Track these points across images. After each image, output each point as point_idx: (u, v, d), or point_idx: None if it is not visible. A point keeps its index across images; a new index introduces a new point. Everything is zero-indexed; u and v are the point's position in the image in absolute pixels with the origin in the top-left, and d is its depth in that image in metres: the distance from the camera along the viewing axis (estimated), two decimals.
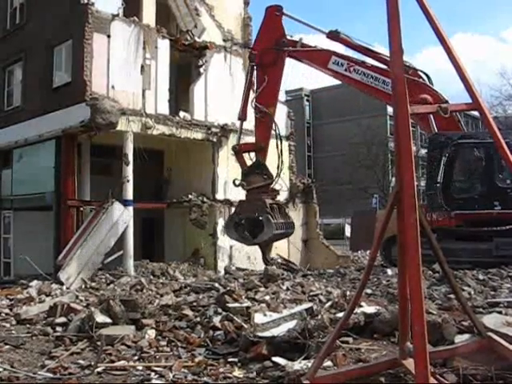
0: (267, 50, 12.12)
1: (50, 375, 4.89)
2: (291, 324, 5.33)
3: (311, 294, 7.30)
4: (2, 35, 20.22)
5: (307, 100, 61.40)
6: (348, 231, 33.15)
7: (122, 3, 16.49)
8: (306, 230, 21.59)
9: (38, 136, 16.89)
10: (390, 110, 29.39)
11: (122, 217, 15.13)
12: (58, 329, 6.70)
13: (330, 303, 6.40)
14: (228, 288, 7.36)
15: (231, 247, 17.78)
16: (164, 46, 17.45)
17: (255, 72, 12.45)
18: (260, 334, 5.18)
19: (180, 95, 19.64)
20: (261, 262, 13.33)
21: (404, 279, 3.77)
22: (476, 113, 4.05)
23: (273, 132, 12.44)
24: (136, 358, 5.33)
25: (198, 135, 18.12)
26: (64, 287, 12.02)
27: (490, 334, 4.03)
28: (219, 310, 6.42)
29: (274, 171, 12.10)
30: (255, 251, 14.15)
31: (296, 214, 21.13)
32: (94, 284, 12.65)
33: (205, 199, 18.14)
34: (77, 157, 16.31)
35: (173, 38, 17.88)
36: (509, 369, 3.85)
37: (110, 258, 14.90)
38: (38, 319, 7.42)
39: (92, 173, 17.01)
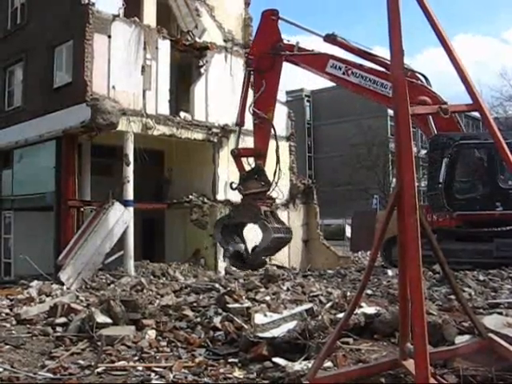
0: (264, 55, 12.15)
1: (51, 375, 4.89)
2: (291, 324, 5.33)
3: (311, 294, 7.30)
4: (2, 35, 20.22)
5: (308, 100, 61.37)
6: (348, 232, 33.14)
7: (123, 4, 16.50)
8: (306, 230, 21.57)
9: (39, 136, 16.90)
10: (390, 111, 29.43)
11: (122, 217, 15.13)
12: (59, 329, 6.69)
13: (330, 304, 6.40)
14: (228, 288, 7.36)
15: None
16: (165, 46, 17.46)
17: (252, 77, 12.49)
18: (260, 335, 5.18)
19: (180, 96, 19.64)
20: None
21: (404, 280, 3.77)
22: (477, 114, 4.05)
23: (272, 133, 12.45)
24: (136, 358, 5.33)
25: (199, 136, 18.12)
26: (64, 287, 12.02)
27: (490, 334, 4.03)
28: (219, 311, 6.42)
29: (273, 173, 12.12)
30: None
31: (296, 215, 21.14)
32: (94, 284, 12.65)
33: (205, 200, 18.13)
34: (77, 157, 16.30)
35: (173, 39, 17.88)
36: (509, 370, 3.84)
37: (110, 258, 14.90)
38: (38, 319, 7.42)
39: (92, 173, 17.01)
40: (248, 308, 6.31)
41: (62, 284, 12.51)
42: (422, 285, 3.35)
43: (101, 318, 6.23)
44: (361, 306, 5.63)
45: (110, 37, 15.94)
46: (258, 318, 5.68)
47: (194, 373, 4.77)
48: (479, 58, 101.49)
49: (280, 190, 12.61)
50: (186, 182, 18.90)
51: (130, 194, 15.80)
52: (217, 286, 8.25)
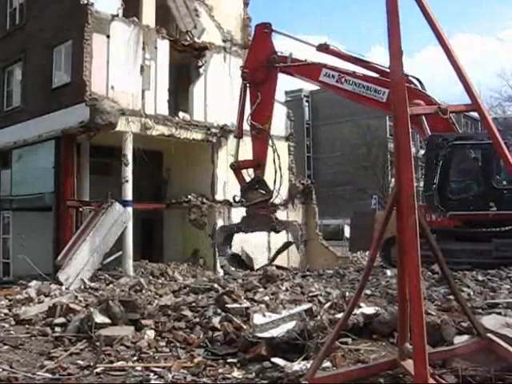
0: (259, 68, 12.26)
1: (49, 375, 4.88)
2: (290, 325, 5.32)
3: (310, 294, 7.28)
4: (1, 35, 20.24)
5: (307, 101, 61.37)
6: (347, 232, 33.17)
7: (122, 4, 16.51)
8: (305, 230, 21.57)
9: (38, 136, 16.90)
10: None
11: (121, 217, 15.13)
12: (57, 329, 6.68)
13: (329, 304, 6.39)
14: (227, 289, 7.35)
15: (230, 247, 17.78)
16: (163, 46, 17.46)
17: (248, 89, 12.66)
18: (259, 335, 5.18)
19: (179, 96, 19.65)
20: (260, 263, 13.47)
21: (403, 280, 3.77)
22: (476, 114, 4.05)
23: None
24: (135, 358, 5.32)
25: (198, 136, 18.13)
26: (63, 287, 12.00)
27: (489, 335, 4.03)
28: (218, 311, 6.41)
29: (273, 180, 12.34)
30: (254, 252, 14.22)
31: (295, 215, 21.13)
32: (93, 284, 12.64)
33: (204, 200, 18.15)
34: (76, 157, 16.32)
35: (172, 39, 17.90)
36: (508, 370, 3.85)
37: (109, 258, 14.91)
38: (37, 319, 7.40)
39: (91, 173, 17.02)
40: (247, 308, 6.30)
41: (61, 284, 12.51)
42: (421, 285, 3.35)
43: (100, 318, 6.22)
44: (360, 306, 5.62)
45: (108, 37, 15.95)
46: (257, 318, 5.67)
47: (192, 373, 4.76)
48: (478, 57, 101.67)
49: (278, 191, 12.88)
50: (184, 182, 18.91)
51: (128, 194, 15.80)
52: (216, 286, 8.23)
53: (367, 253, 19.62)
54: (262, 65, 12.27)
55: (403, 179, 3.50)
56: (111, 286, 11.74)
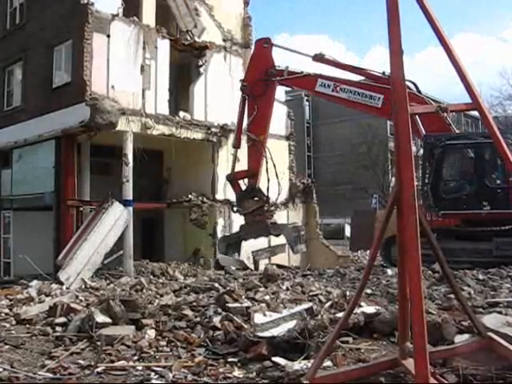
0: (257, 82, 12.67)
1: (50, 375, 4.88)
2: (291, 324, 5.32)
3: (311, 294, 7.29)
4: (1, 35, 20.23)
5: (307, 100, 61.22)
6: (348, 231, 33.18)
7: (122, 3, 16.50)
8: (305, 230, 21.56)
9: (38, 136, 16.90)
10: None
11: (121, 217, 15.13)
12: (58, 329, 6.68)
13: (329, 303, 6.40)
14: (228, 288, 7.35)
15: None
16: (164, 45, 17.46)
17: (247, 102, 13.06)
18: (260, 334, 5.18)
19: (180, 95, 19.65)
20: (260, 263, 13.56)
21: (404, 279, 3.77)
22: (476, 113, 4.05)
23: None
24: (136, 358, 5.32)
25: (198, 135, 18.12)
26: (64, 287, 12.00)
27: (489, 333, 4.03)
28: (219, 310, 6.41)
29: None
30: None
31: (296, 214, 21.15)
32: (93, 284, 12.62)
33: (205, 199, 18.15)
34: (76, 157, 16.31)
35: (172, 38, 17.88)
36: (509, 369, 3.85)
37: (109, 258, 14.90)
38: (37, 319, 7.40)
39: (92, 173, 17.02)
40: (247, 307, 6.31)
41: (62, 284, 12.50)
42: (422, 284, 3.35)
43: (100, 318, 6.22)
44: (360, 306, 5.62)
45: (109, 36, 15.94)
46: (258, 318, 5.67)
47: (193, 372, 4.76)
48: (478, 56, 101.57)
49: (277, 197, 13.25)
50: (185, 181, 18.91)
51: (129, 193, 15.79)
52: (216, 285, 8.24)
53: (368, 252, 19.63)
54: (260, 78, 12.70)
55: (404, 178, 3.50)
56: (112, 285, 11.74)
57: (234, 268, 11.84)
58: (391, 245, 10.72)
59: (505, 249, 10.35)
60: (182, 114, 17.98)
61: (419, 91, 11.66)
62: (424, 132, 11.03)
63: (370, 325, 5.30)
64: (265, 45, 12.93)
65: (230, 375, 4.63)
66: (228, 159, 17.63)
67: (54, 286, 11.82)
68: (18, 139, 17.92)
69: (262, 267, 12.37)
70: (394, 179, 23.98)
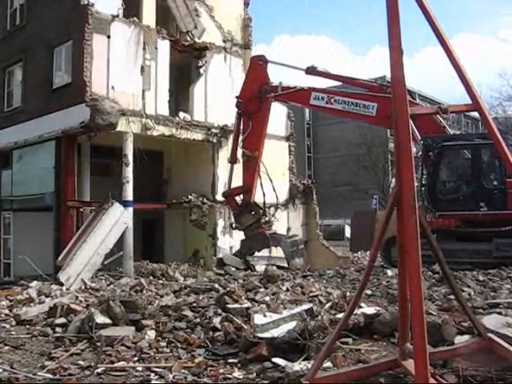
0: (252, 99, 12.95)
1: (50, 376, 4.88)
2: (291, 325, 5.32)
3: (311, 294, 7.29)
4: (2, 36, 20.23)
5: None
6: (348, 232, 33.11)
7: (122, 4, 16.51)
8: (305, 230, 21.57)
9: (38, 137, 16.90)
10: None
11: (121, 217, 15.12)
12: (58, 329, 6.68)
13: (329, 304, 6.40)
14: (228, 289, 7.35)
15: (231, 248, 17.80)
16: (164, 46, 17.46)
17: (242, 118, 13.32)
18: (260, 335, 5.18)
19: (180, 96, 19.64)
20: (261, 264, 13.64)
21: (404, 280, 3.77)
22: (476, 114, 4.05)
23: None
24: (136, 358, 5.33)
25: (198, 136, 18.12)
26: (64, 288, 12.00)
27: (489, 334, 4.03)
28: (219, 311, 6.41)
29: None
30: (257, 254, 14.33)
31: (296, 215, 21.15)
32: (93, 285, 12.62)
33: (205, 200, 18.14)
34: (77, 157, 16.31)
35: (173, 39, 17.89)
36: (509, 370, 3.85)
37: (109, 258, 14.89)
38: (37, 320, 7.40)
39: (92, 173, 17.02)
40: (247, 308, 6.31)
41: (62, 284, 12.48)
42: (422, 285, 3.34)
43: (100, 319, 6.22)
44: (360, 306, 5.63)
45: (109, 37, 15.94)
46: (258, 319, 5.67)
47: (193, 373, 4.76)
48: (478, 57, 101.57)
49: (276, 195, 13.37)
50: (185, 182, 18.91)
51: (129, 194, 15.79)
52: (216, 286, 8.24)
53: (368, 253, 19.61)
54: (255, 95, 12.98)
55: (404, 179, 3.50)
56: (112, 286, 11.74)
57: (234, 269, 11.87)
58: (391, 246, 10.74)
59: (505, 250, 10.36)
60: (182, 114, 17.98)
61: (414, 98, 11.88)
62: (419, 136, 11.11)
63: (370, 326, 5.30)
64: (260, 62, 13.21)
65: (229, 376, 4.63)
66: (228, 159, 17.64)
67: (54, 286, 11.81)
68: (19, 140, 17.92)
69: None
70: (394, 180, 24.00)
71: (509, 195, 10.74)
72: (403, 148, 3.55)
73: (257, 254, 13.52)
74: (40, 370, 5.07)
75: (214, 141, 18.54)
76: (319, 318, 5.50)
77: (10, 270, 18.14)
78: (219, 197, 18.36)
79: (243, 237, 13.52)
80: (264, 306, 6.47)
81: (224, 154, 18.47)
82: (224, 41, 19.71)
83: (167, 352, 5.51)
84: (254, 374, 4.59)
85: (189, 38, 18.32)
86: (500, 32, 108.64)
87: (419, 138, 11.14)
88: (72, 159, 16.06)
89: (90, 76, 15.37)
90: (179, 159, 19.16)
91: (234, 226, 13.85)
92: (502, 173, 10.71)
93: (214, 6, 19.51)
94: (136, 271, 15.08)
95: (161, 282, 11.68)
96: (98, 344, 5.57)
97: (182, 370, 4.85)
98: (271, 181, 12.85)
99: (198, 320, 6.30)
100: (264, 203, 12.86)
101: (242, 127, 13.31)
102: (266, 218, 13.19)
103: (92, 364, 5.07)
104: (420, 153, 11.44)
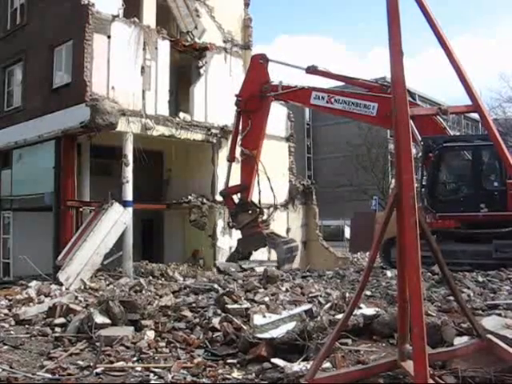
0: (252, 97, 12.92)
1: (49, 376, 4.87)
2: (290, 325, 5.32)
3: (310, 295, 7.28)
4: (2, 35, 20.23)
5: None
6: (347, 233, 33.14)
7: (123, 4, 16.52)
8: (305, 231, 21.58)
9: (38, 136, 16.90)
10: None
11: (121, 218, 15.12)
12: (57, 329, 6.68)
13: (329, 305, 6.39)
14: (227, 289, 7.35)
15: (230, 248, 17.80)
16: (164, 46, 17.47)
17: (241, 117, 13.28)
18: (259, 336, 5.17)
19: (180, 96, 19.66)
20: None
21: (403, 281, 3.77)
22: (476, 115, 4.05)
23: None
24: (135, 358, 5.32)
25: (198, 136, 18.13)
26: (63, 288, 12.00)
27: (489, 336, 4.03)
28: (218, 311, 6.41)
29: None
30: (254, 253, 14.29)
31: (295, 216, 21.16)
32: (93, 285, 12.63)
33: (204, 200, 18.15)
34: (76, 157, 16.32)
35: (173, 39, 17.90)
36: (508, 371, 3.84)
37: (109, 258, 14.89)
38: (36, 320, 7.39)
39: (92, 173, 17.02)
40: (247, 309, 6.30)
41: (61, 284, 12.49)
42: (421, 286, 3.34)
43: (100, 319, 6.22)
44: (360, 307, 5.63)
45: (109, 37, 15.95)
46: (257, 319, 5.66)
47: (192, 373, 4.76)
48: (478, 59, 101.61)
49: (274, 195, 13.38)
50: (185, 182, 18.92)
51: (129, 194, 15.80)
52: (216, 286, 8.23)
53: (367, 253, 19.62)
54: (255, 94, 12.92)
55: (404, 180, 3.50)
56: (111, 286, 11.74)
57: (233, 269, 11.86)
58: (391, 246, 10.73)
59: (504, 251, 10.35)
60: (182, 114, 17.99)
61: (414, 98, 11.86)
62: (419, 137, 11.10)
63: (369, 326, 5.30)
64: (261, 60, 13.15)
65: (229, 376, 4.63)
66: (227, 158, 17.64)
67: (54, 286, 11.82)
68: (18, 139, 17.92)
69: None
70: (393, 181, 24.06)
71: (509, 197, 10.73)
72: (403, 149, 3.54)
73: (250, 257, 13.57)
74: (39, 370, 5.06)
75: (214, 141, 18.54)
76: (318, 318, 5.50)
77: (9, 270, 18.14)
78: (219, 197, 18.35)
79: (240, 236, 13.53)
80: (263, 306, 6.46)
81: (224, 154, 18.45)
82: (224, 41, 19.73)
83: (166, 352, 5.51)
84: (253, 375, 4.59)
85: (189, 39, 18.33)
86: (500, 34, 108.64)
87: (419, 138, 11.13)
88: (72, 159, 16.06)
89: (90, 76, 15.38)
90: (179, 159, 19.17)
91: (230, 224, 13.82)
92: (502, 174, 10.71)
93: (214, 7, 19.52)
94: (135, 271, 15.09)
95: (160, 282, 11.68)
96: (97, 344, 5.57)
97: (181, 371, 4.85)
98: (269, 180, 12.82)
99: (197, 320, 6.29)
100: (259, 201, 12.83)
101: (241, 126, 13.25)
102: (263, 217, 13.17)
103: (91, 364, 5.06)
104: (420, 154, 11.44)
